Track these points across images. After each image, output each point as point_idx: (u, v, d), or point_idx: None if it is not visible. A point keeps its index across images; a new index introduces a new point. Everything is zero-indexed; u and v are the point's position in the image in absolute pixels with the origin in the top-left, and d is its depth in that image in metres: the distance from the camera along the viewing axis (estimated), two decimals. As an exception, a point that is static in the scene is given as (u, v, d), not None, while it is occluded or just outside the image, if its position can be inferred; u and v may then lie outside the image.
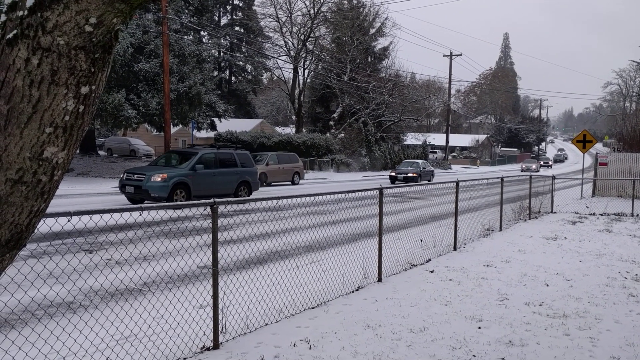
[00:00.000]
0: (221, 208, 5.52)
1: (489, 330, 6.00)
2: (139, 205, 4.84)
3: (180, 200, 16.37)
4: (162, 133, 32.38)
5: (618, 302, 7.26)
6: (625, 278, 8.71)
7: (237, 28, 62.73)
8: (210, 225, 5.35)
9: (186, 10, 38.48)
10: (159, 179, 16.37)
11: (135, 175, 16.82)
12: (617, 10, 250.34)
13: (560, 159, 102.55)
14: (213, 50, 49.36)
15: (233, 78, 64.85)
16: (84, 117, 2.00)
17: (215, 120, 45.65)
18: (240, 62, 62.79)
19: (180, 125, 38.51)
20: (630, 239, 12.89)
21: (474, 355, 5.25)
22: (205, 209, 5.48)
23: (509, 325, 6.18)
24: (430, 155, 65.25)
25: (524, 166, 65.69)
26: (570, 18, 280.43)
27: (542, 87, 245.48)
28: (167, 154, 19.85)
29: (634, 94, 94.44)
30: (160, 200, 16.09)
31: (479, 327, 6.08)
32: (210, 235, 5.40)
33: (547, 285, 8.09)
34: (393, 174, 33.84)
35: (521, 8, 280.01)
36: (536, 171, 56.68)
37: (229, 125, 47.09)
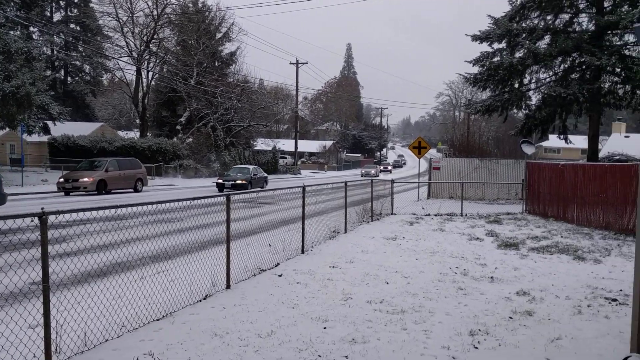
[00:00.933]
0: (51, 218, 5.08)
1: (334, 329, 6.20)
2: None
3: None
4: (-15, 137, 29.19)
5: (449, 296, 7.90)
6: (455, 273, 9.52)
7: (72, 25, 58.63)
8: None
9: (12, 3, 35.08)
10: None
11: None
12: (445, 24, 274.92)
13: (399, 165, 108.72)
14: (45, 48, 45.56)
15: (69, 78, 60.51)
16: None
17: (49, 123, 42.20)
18: (77, 62, 58.81)
19: (8, 129, 34.97)
20: (460, 236, 14.14)
21: (320, 356, 5.39)
22: (32, 220, 4.99)
23: (352, 323, 6.44)
24: (281, 161, 66.28)
25: (363, 171, 67.12)
26: (405, 30, 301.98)
27: (382, 96, 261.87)
28: None
29: (462, 104, 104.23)
30: None
31: (325, 328, 6.26)
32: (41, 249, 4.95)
33: (387, 283, 8.58)
34: (220, 181, 30.73)
35: (362, 19, 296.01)
36: (375, 176, 57.95)
37: (65, 129, 43.81)
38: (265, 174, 36.05)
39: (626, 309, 7.19)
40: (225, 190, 28.59)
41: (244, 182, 30.15)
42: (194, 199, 7.93)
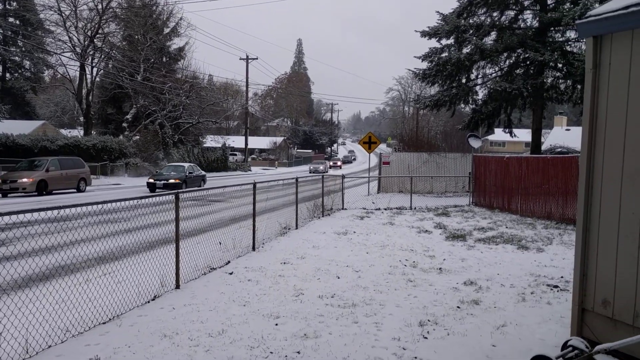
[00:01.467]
0: (-12, 221, 4.86)
1: (286, 326, 6.19)
2: None
3: None
4: None
5: (399, 288, 8.01)
6: (405, 265, 9.67)
7: (11, 19, 56.27)
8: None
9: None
10: None
11: None
12: (394, 21, 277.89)
13: (348, 160, 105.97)
14: (-19, 43, 43.55)
15: (8, 75, 58.09)
16: None
17: (-13, 122, 40.48)
18: (17, 58, 56.49)
19: (-59, 128, 33.32)
20: (409, 229, 14.36)
21: (272, 352, 5.37)
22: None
23: (304, 319, 6.44)
24: (231, 158, 65.56)
25: (311, 167, 65.06)
26: (355, 27, 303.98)
27: (333, 92, 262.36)
28: None
29: (411, 99, 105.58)
30: None
31: (276, 324, 6.24)
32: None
33: (339, 278, 8.62)
34: (151, 180, 28.24)
35: (312, 15, 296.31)
36: (324, 172, 55.59)
37: (3, 127, 42.04)
38: (203, 172, 33.72)
39: (567, 295, 7.47)
40: (157, 190, 26.83)
41: (177, 181, 27.77)
42: (140, 197, 7.75)
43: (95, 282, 7.56)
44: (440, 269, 9.38)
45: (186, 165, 31.41)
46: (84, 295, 6.63)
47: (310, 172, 57.24)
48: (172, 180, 27.65)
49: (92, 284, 7.28)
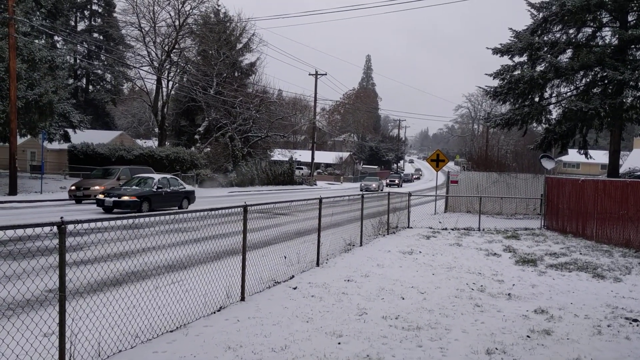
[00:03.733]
0: (70, 227, 5.09)
1: (348, 345, 6.12)
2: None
3: None
4: (6, 144, 29.69)
5: (465, 313, 7.78)
6: (472, 289, 9.39)
7: (95, 35, 59.65)
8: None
9: (37, 13, 35.70)
10: None
11: None
12: (463, 35, 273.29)
13: (409, 179, 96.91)
14: (68, 57, 46.24)
15: (91, 87, 61.43)
16: None
17: (70, 131, 42.89)
18: (99, 71, 59.69)
19: (29, 136, 35.54)
20: (477, 252, 13.97)
21: (334, 372, 5.32)
22: (51, 229, 5.02)
23: (367, 339, 6.36)
24: (297, 171, 66.20)
25: (362, 184, 57.59)
26: (423, 42, 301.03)
27: (400, 107, 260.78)
28: None
29: (481, 117, 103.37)
30: None
31: (339, 343, 6.19)
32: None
33: (403, 299, 8.48)
34: (101, 196, 20.84)
35: (381, 31, 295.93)
36: (376, 190, 51.49)
37: (84, 136, 44.41)
38: (189, 188, 26.52)
39: (648, 331, 7.02)
40: (114, 211, 20.50)
41: (133, 199, 20.37)
42: (211, 209, 7.93)
43: (164, 289, 7.76)
44: (509, 294, 9.06)
45: (157, 177, 23.14)
46: (153, 302, 6.82)
47: (360, 190, 51.35)
48: (126, 198, 20.39)
49: (161, 292, 7.48)
